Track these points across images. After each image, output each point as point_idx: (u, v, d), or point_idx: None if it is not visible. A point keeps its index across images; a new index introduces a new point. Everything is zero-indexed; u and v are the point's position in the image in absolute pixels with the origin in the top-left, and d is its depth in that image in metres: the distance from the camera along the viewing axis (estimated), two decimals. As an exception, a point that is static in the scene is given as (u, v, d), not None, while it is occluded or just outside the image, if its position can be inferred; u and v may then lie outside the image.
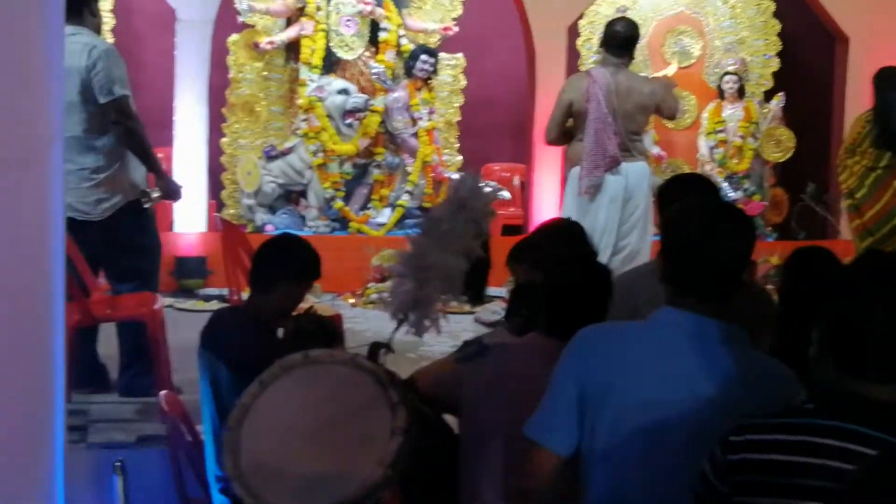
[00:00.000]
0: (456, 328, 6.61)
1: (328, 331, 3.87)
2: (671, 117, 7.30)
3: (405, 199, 9.39)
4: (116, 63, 5.46)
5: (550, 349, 2.98)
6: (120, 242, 5.58)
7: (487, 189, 3.70)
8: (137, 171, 5.67)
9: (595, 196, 6.73)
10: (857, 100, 9.63)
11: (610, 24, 7.07)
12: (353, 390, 3.12)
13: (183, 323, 6.78)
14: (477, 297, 4.22)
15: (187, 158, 8.59)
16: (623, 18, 7.38)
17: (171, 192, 5.83)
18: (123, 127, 5.48)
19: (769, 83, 10.20)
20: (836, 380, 2.19)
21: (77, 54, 5.41)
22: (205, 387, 3.92)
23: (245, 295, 4.91)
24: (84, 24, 5.56)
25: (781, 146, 9.83)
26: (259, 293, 4.04)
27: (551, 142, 7.05)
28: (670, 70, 9.68)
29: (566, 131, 6.90)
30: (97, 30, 5.70)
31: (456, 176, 9.49)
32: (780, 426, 2.20)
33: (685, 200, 2.77)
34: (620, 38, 6.86)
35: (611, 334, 2.73)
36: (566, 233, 4.26)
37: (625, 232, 6.84)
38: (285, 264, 4.00)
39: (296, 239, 4.21)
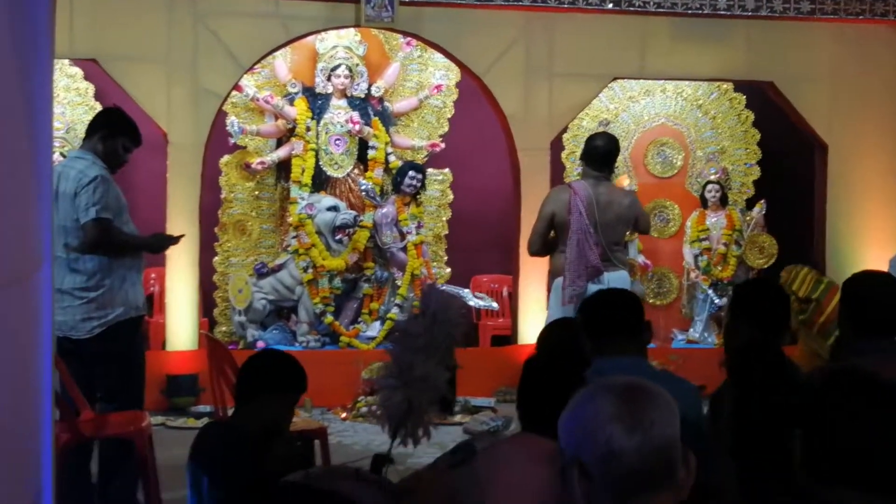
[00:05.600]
0: (444, 439, 6.68)
1: (295, 452, 3.97)
2: (646, 231, 7.51)
3: (395, 313, 9.51)
4: (105, 189, 5.63)
5: (538, 447, 3.06)
6: (106, 361, 5.68)
7: (454, 297, 3.82)
8: (132, 291, 5.79)
9: (578, 305, 6.84)
10: (837, 205, 9.85)
11: (590, 140, 7.24)
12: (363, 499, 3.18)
13: (174, 441, 6.83)
14: (448, 406, 4.23)
15: (179, 278, 8.72)
16: (603, 133, 7.57)
17: (165, 242, 6.24)
18: (102, 247, 5.65)
19: (751, 191, 10.41)
20: (812, 487, 2.32)
21: (72, 180, 5.62)
22: (190, 499, 4.01)
23: (231, 411, 4.99)
24: (90, 148, 5.78)
25: (765, 252, 9.98)
26: (242, 406, 4.15)
27: (534, 254, 7.17)
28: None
29: (548, 243, 7.03)
30: (111, 156, 5.84)
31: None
32: None
33: None
34: (600, 153, 7.03)
35: None
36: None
37: None
38: (267, 378, 4.10)
39: (279, 354, 4.30)
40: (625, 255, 7.30)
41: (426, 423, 3.64)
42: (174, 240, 6.26)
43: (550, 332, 4.52)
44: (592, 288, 6.82)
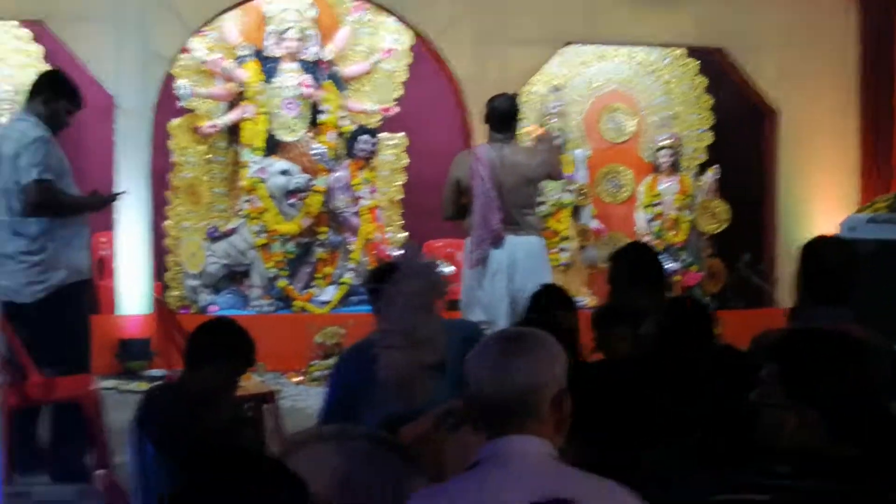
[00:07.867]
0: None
1: (242, 416, 3.97)
2: (558, 178, 7.62)
3: (348, 277, 9.50)
4: (46, 150, 5.59)
5: None
6: (51, 325, 5.63)
7: (431, 259, 3.81)
8: (76, 255, 5.75)
9: (483, 269, 6.77)
10: (788, 170, 9.94)
11: (489, 101, 6.96)
12: (377, 463, 3.19)
13: (126, 404, 6.75)
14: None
15: (129, 242, 8.66)
16: (503, 94, 7.10)
17: (104, 200, 6.28)
18: (44, 208, 5.60)
19: (703, 156, 10.45)
20: None
21: (13, 141, 5.57)
22: (133, 463, 3.99)
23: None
24: (32, 111, 5.72)
25: (717, 218, 10.05)
26: (190, 370, 4.13)
27: (447, 218, 7.04)
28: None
29: (462, 208, 6.87)
30: (53, 118, 5.78)
31: (398, 252, 9.64)
32: None
33: None
34: (499, 114, 6.83)
35: None
36: None
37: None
38: (218, 346, 4.07)
39: (232, 323, 4.26)
40: (536, 218, 7.09)
41: (428, 385, 3.62)
42: (113, 197, 6.28)
43: None
44: (496, 252, 6.72)
